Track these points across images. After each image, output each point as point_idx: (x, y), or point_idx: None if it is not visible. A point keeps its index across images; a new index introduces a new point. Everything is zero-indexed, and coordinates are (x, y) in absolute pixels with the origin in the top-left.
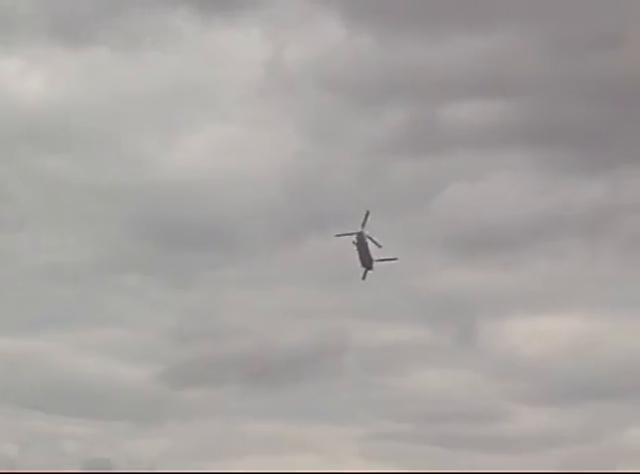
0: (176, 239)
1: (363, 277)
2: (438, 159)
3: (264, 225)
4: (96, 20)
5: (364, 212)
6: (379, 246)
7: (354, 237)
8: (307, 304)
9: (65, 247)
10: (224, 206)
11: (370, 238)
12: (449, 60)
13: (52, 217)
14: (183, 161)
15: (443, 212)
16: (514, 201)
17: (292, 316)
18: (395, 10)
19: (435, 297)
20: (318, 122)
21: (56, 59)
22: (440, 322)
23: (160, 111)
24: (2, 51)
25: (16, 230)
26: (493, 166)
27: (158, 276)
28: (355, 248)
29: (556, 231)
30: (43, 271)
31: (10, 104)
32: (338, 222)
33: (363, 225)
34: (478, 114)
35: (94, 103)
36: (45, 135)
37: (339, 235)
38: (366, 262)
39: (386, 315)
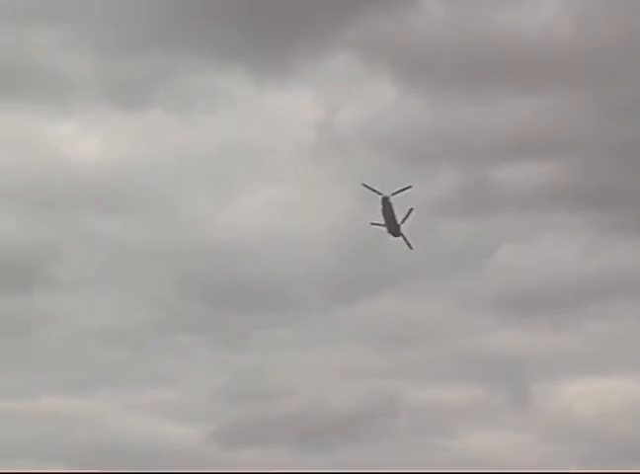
0: (228, 299)
1: (410, 246)
2: (488, 220)
3: (315, 286)
4: (150, 82)
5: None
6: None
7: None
8: (358, 364)
9: (118, 307)
10: (276, 267)
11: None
12: (500, 122)
13: (106, 278)
14: (235, 221)
15: (495, 273)
16: (565, 263)
17: (343, 376)
18: (446, 71)
19: (486, 358)
20: (369, 183)
21: (112, 122)
22: (491, 383)
23: (213, 172)
24: (58, 114)
25: (71, 291)
26: (543, 227)
27: (210, 337)
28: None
29: (607, 292)
30: (97, 331)
31: (66, 166)
32: (389, 283)
33: (394, 194)
34: (528, 175)
35: (149, 164)
36: (100, 197)
37: (365, 185)
38: (394, 228)
39: (438, 376)
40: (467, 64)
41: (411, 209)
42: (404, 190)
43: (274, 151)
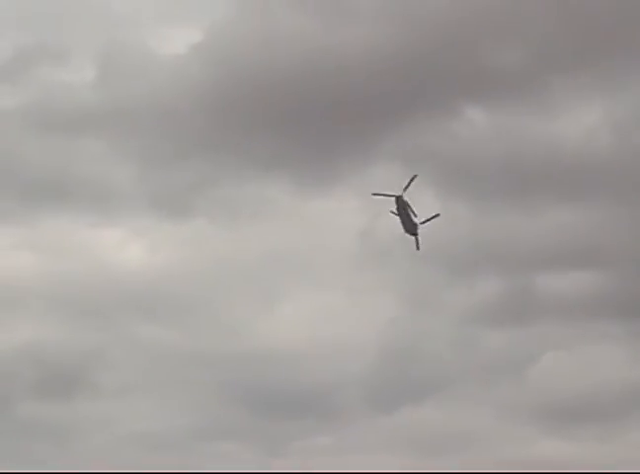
0: (271, 407)
1: (417, 247)
2: (531, 328)
3: (357, 393)
4: (195, 191)
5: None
6: (415, 215)
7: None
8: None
9: (160, 414)
10: (318, 374)
11: (409, 205)
12: (542, 230)
13: (149, 385)
14: (279, 329)
15: (538, 382)
16: (609, 371)
17: None
18: (489, 180)
19: (530, 468)
20: (413, 291)
21: (156, 230)
22: None
23: (257, 279)
24: (103, 222)
25: (113, 398)
26: (587, 335)
27: (252, 444)
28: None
29: None
30: (139, 438)
31: (110, 273)
32: (432, 391)
33: (405, 189)
34: (571, 283)
35: (192, 272)
36: (144, 304)
37: (376, 194)
38: (410, 227)
39: None
40: (509, 173)
41: (436, 215)
42: (412, 181)
43: (317, 259)
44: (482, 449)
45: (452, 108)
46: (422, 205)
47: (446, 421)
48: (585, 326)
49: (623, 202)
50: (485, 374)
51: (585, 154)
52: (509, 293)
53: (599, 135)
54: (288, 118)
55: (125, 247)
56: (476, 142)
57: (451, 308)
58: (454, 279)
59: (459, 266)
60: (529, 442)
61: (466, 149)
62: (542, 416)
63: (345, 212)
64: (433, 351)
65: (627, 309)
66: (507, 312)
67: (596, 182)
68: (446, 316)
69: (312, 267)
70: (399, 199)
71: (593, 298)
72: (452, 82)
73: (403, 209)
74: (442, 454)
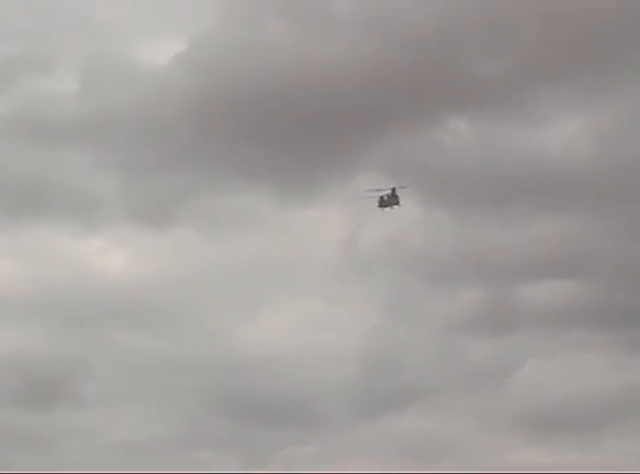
0: (253, 415)
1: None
2: (512, 337)
3: (339, 401)
4: (177, 201)
5: None
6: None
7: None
8: None
9: (143, 422)
10: (301, 383)
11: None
12: (524, 240)
13: (132, 393)
14: (261, 337)
15: (519, 390)
16: (588, 380)
17: None
18: (470, 190)
19: None
20: (394, 300)
21: (138, 239)
22: None
23: (239, 288)
24: (85, 231)
25: (96, 406)
26: (567, 344)
27: (234, 452)
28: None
29: (631, 410)
30: (120, 446)
31: (92, 282)
32: (414, 399)
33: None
34: (552, 293)
35: (174, 281)
36: (126, 312)
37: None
38: (391, 200)
39: None
40: (491, 182)
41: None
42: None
43: (299, 268)
44: (464, 457)
45: (436, 118)
46: (404, 214)
47: (429, 429)
48: (565, 335)
49: (603, 213)
50: (466, 383)
51: (566, 165)
52: (490, 302)
53: (580, 146)
54: (271, 129)
55: (108, 256)
56: (459, 152)
57: (433, 317)
58: (436, 289)
59: (441, 275)
60: (511, 450)
61: (449, 159)
62: (523, 424)
63: (327, 222)
64: (415, 359)
65: (607, 318)
66: (488, 321)
67: (576, 192)
68: (428, 325)
69: (294, 276)
70: (381, 200)
71: (573, 308)
72: (436, 92)
73: (386, 203)
74: (425, 462)
